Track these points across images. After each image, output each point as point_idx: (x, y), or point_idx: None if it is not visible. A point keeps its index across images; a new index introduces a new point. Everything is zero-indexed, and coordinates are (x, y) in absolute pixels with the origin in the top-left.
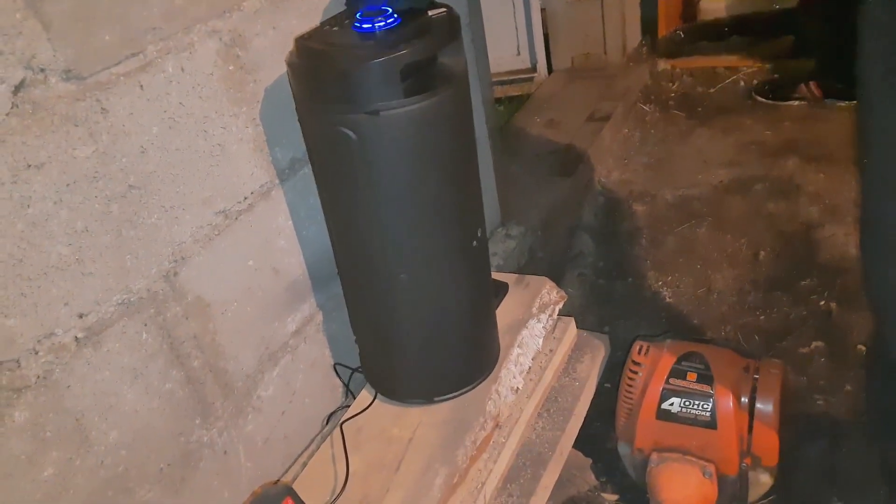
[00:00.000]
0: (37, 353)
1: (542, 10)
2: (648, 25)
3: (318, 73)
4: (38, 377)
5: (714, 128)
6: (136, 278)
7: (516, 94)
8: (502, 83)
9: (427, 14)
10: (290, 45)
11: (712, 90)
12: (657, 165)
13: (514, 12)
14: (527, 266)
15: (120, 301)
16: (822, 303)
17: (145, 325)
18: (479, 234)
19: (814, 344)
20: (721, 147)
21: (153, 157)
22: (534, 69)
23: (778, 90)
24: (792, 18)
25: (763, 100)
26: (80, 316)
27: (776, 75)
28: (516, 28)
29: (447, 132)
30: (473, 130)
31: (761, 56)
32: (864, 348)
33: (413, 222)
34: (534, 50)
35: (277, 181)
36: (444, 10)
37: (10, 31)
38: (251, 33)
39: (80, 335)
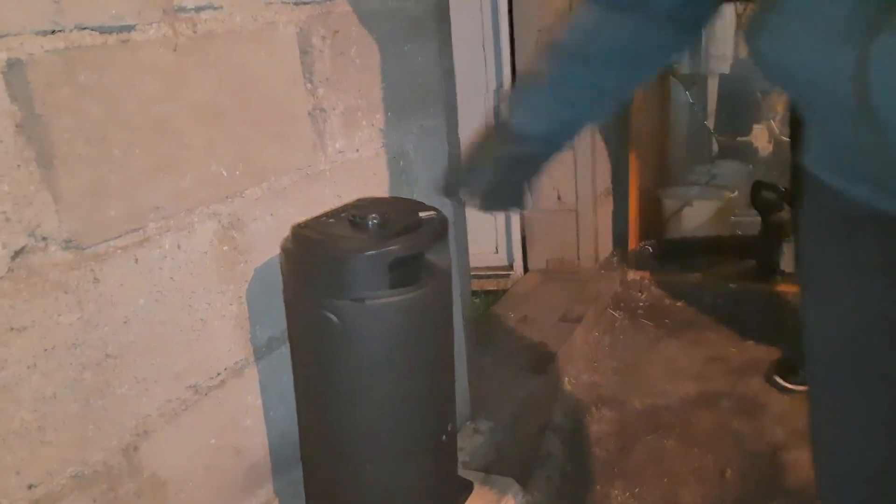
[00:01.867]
0: None
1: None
2: (620, 238)
3: (310, 259)
4: None
5: (681, 339)
6: (94, 450)
7: (492, 288)
8: (479, 277)
9: (418, 214)
10: (285, 231)
11: (679, 303)
12: (626, 371)
13: (495, 214)
14: (494, 464)
15: (74, 473)
16: None
17: (94, 501)
18: (448, 428)
19: None
20: (688, 359)
21: (135, 328)
22: (510, 267)
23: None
24: (754, 243)
25: (789, 385)
26: (30, 487)
27: (788, 353)
28: (496, 229)
29: (428, 324)
30: (452, 324)
31: (725, 277)
32: None
33: (386, 409)
34: (511, 250)
35: (253, 359)
36: (433, 212)
37: (22, 201)
38: (249, 218)
39: None
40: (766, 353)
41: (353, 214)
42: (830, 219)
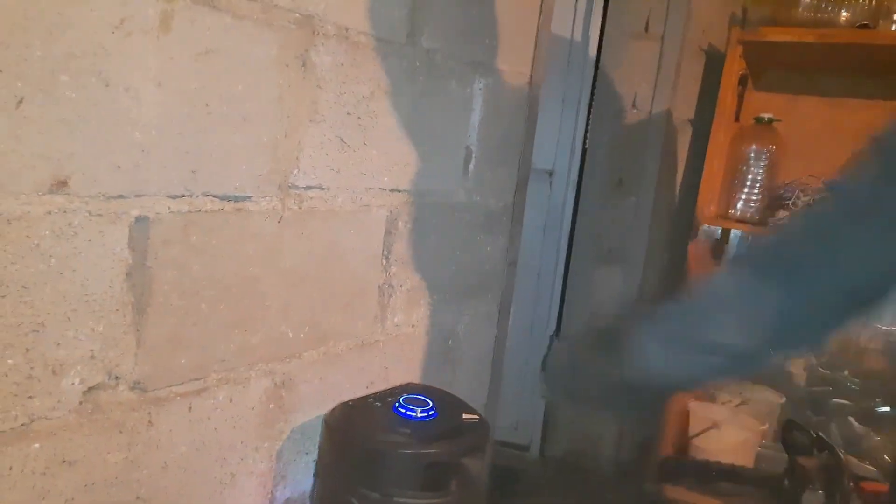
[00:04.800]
0: None
1: (543, 397)
2: (644, 443)
3: (350, 442)
4: None
5: None
6: None
7: (503, 464)
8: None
9: (462, 416)
10: (328, 395)
11: None
12: None
13: (523, 394)
14: None
15: None
16: None
17: None
18: None
19: None
20: None
21: (170, 474)
22: (527, 448)
23: None
24: (778, 483)
25: None
26: None
27: None
28: (519, 406)
29: None
30: None
31: None
32: None
33: None
34: (531, 430)
35: None
36: (476, 417)
37: (110, 342)
38: (300, 379)
39: None
40: None
41: (400, 404)
42: None
